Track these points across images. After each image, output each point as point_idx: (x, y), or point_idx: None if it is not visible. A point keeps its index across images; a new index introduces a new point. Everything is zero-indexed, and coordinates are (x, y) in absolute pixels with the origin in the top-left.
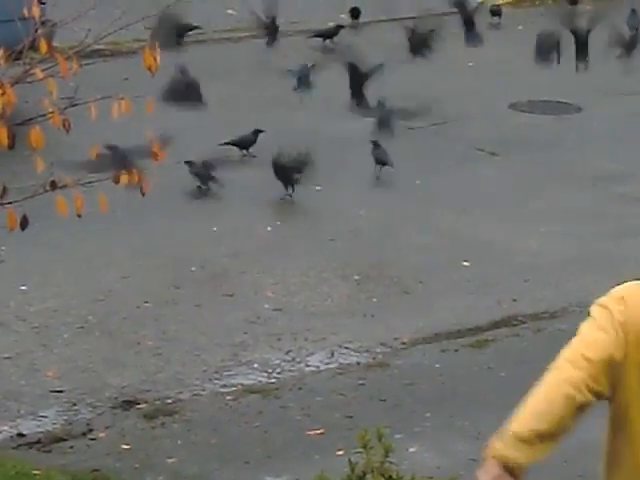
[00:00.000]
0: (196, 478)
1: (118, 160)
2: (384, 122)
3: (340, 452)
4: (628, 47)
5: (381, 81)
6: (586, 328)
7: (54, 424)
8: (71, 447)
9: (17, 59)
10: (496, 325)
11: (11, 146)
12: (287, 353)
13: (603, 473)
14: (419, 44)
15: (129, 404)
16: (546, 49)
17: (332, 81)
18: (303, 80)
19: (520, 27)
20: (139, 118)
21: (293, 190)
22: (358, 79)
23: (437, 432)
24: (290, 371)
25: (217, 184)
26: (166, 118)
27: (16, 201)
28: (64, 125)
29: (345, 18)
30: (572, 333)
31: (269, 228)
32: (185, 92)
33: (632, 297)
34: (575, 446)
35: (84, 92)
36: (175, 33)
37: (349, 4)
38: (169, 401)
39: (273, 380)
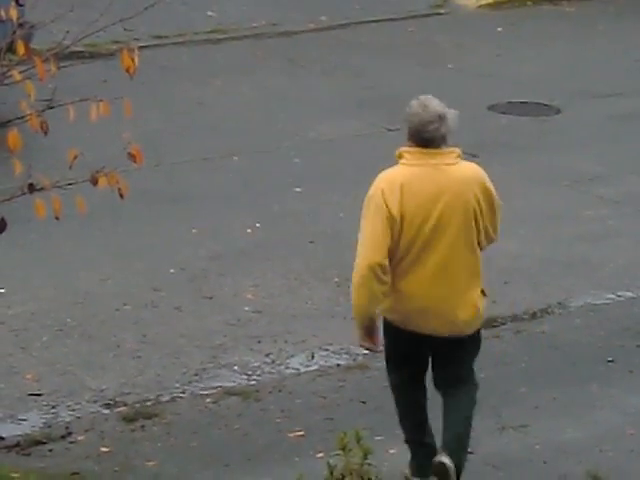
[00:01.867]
0: None
1: None
2: None
3: (320, 454)
4: None
5: (362, 83)
6: None
7: (33, 427)
8: (50, 450)
9: None
10: None
11: None
12: (267, 355)
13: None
14: None
15: (108, 407)
16: None
17: (314, 84)
18: None
19: (500, 29)
20: (118, 120)
21: None
22: None
23: None
24: (270, 373)
25: None
26: (145, 120)
27: None
28: (42, 127)
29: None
30: (552, 334)
31: (249, 230)
32: None
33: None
34: (554, 447)
35: (62, 94)
36: None
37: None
38: (149, 404)
39: (253, 382)
